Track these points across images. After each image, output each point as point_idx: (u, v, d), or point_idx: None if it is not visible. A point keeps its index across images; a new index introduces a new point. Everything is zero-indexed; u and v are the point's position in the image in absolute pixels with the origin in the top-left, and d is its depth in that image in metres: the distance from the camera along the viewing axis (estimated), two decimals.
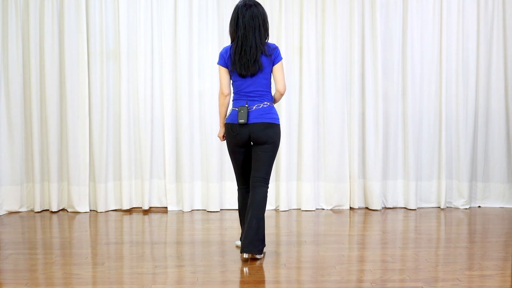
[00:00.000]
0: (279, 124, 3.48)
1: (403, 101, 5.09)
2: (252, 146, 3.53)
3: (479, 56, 5.10)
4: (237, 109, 3.45)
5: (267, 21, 3.47)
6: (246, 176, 3.59)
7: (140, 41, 4.94)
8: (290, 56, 5.00)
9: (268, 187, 3.50)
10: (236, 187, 4.12)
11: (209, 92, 4.98)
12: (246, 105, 3.43)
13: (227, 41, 4.77)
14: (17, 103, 4.89)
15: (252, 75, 3.42)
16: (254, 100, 3.45)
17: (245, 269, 3.25)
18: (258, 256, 3.45)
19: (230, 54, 3.43)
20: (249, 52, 3.37)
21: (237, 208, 4.44)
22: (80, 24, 4.85)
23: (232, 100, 3.56)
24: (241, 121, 3.39)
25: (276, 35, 4.99)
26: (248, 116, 3.41)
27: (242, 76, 3.44)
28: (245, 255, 3.40)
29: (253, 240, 3.38)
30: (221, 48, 4.72)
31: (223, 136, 3.63)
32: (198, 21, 4.95)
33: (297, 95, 5.05)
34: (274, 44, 3.53)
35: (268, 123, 3.43)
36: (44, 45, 4.87)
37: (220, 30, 4.96)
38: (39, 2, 4.88)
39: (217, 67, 3.65)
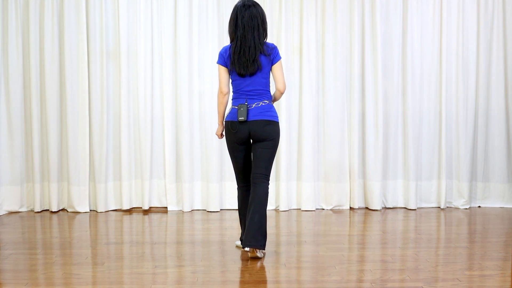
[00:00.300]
0: (278, 122, 3.52)
1: (403, 101, 5.09)
2: (252, 144, 3.55)
3: (479, 56, 5.09)
4: (236, 107, 3.48)
5: (266, 21, 3.50)
6: (246, 175, 3.61)
7: (140, 41, 4.94)
8: (290, 56, 5.00)
9: (269, 184, 3.53)
10: (236, 187, 4.12)
11: (209, 92, 4.98)
12: (246, 103, 3.45)
13: (227, 41, 4.77)
14: (17, 103, 4.89)
15: (251, 75, 3.45)
16: (254, 99, 3.48)
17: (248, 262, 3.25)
18: (259, 255, 3.45)
19: (229, 54, 3.46)
20: (248, 52, 3.40)
21: (237, 208, 4.43)
22: (80, 24, 4.85)
23: (232, 99, 3.58)
24: (241, 118, 3.42)
25: (276, 35, 4.99)
26: (247, 113, 3.43)
27: (241, 76, 3.46)
28: (247, 249, 3.40)
29: (255, 234, 3.38)
30: (221, 48, 4.73)
31: (221, 134, 3.66)
32: (198, 21, 4.95)
33: (297, 95, 5.05)
34: (273, 43, 3.55)
35: (268, 120, 3.45)
36: (44, 45, 4.87)
37: (220, 30, 4.96)
38: (39, 2, 4.88)
39: (217, 66, 3.67)
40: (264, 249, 3.46)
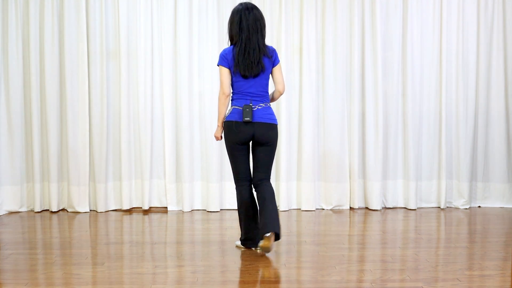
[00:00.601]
0: (277, 125, 3.60)
1: (403, 101, 5.09)
2: (252, 145, 3.60)
3: (479, 56, 5.09)
4: (240, 108, 3.50)
5: (265, 24, 3.55)
6: (245, 174, 3.63)
7: (140, 41, 4.94)
8: (290, 56, 5.00)
9: (270, 182, 3.63)
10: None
11: (209, 92, 4.98)
12: (251, 104, 3.47)
13: (227, 41, 4.77)
14: (17, 103, 4.89)
15: (255, 76, 3.50)
16: (257, 100, 3.53)
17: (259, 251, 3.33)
18: (271, 247, 3.40)
19: (233, 56, 3.47)
20: (252, 53, 3.45)
21: (236, 208, 4.44)
22: (80, 24, 4.85)
23: (232, 100, 3.58)
24: (247, 119, 3.46)
25: (276, 35, 4.99)
26: (252, 114, 3.46)
27: (245, 77, 3.50)
28: (267, 234, 3.36)
29: (272, 221, 3.39)
30: (221, 49, 4.74)
31: (221, 136, 3.66)
32: (198, 21, 4.95)
33: (297, 95, 5.05)
34: (272, 46, 3.61)
35: (271, 124, 3.54)
36: (44, 45, 4.87)
37: (220, 30, 4.95)
38: (39, 2, 4.88)
39: (218, 68, 3.69)
40: (279, 239, 3.48)
